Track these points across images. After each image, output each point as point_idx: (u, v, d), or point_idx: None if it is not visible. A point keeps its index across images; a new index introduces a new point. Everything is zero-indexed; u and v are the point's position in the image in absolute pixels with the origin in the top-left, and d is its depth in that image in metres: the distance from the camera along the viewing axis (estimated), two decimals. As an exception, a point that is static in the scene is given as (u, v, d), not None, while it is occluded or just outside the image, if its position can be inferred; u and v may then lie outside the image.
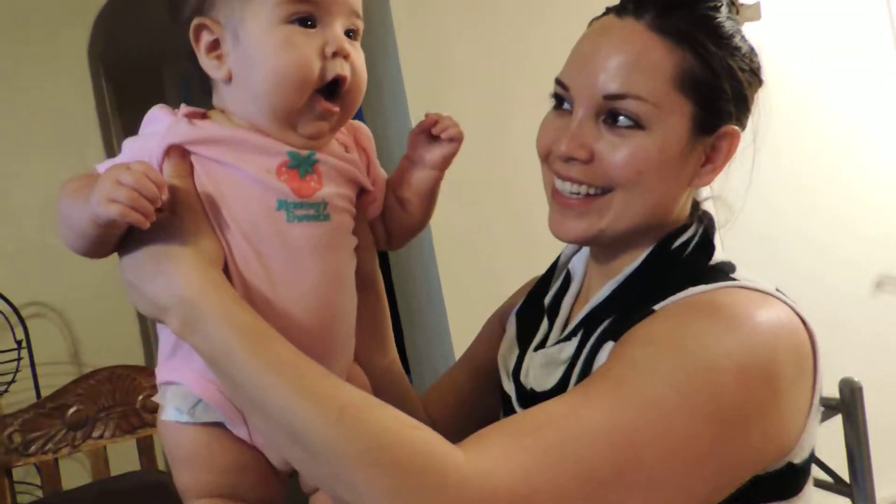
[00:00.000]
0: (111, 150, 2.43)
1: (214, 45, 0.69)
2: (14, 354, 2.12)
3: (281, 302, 0.69)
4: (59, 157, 2.28)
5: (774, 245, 2.35)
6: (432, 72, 2.11)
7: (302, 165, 0.69)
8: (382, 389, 0.80)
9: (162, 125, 0.70)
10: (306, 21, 0.67)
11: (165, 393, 0.72)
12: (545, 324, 0.90)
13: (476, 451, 0.62)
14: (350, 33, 0.70)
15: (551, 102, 0.84)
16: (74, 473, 1.89)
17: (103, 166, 0.68)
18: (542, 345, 0.87)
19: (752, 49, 0.80)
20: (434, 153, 0.79)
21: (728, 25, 0.78)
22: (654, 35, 0.76)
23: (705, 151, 0.80)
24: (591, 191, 0.79)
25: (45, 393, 2.01)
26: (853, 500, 1.05)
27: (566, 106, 0.81)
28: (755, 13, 0.83)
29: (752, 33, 0.81)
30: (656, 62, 0.76)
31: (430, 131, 0.79)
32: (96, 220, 0.62)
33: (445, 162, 0.80)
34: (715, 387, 0.66)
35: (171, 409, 0.71)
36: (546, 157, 0.83)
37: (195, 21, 0.69)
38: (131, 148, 0.71)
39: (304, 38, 0.67)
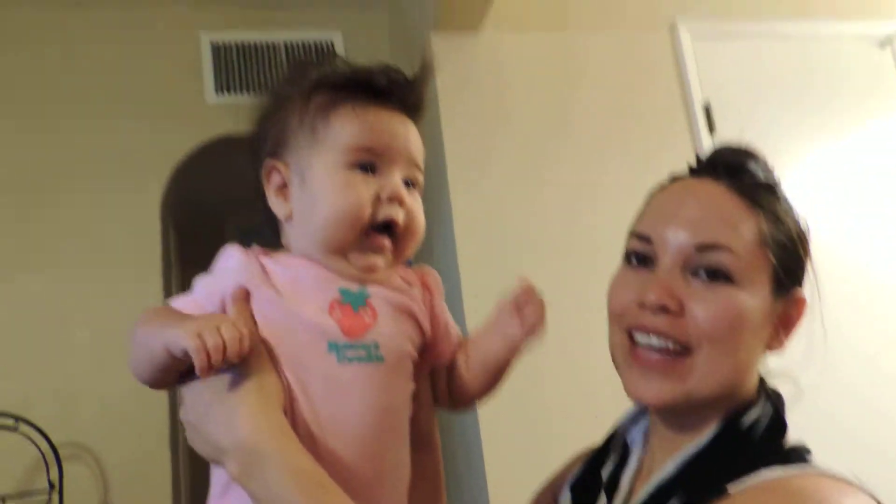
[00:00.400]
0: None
1: (282, 186, 0.75)
2: (45, 496, 2.09)
3: (328, 445, 0.68)
4: (117, 301, 2.37)
5: (841, 421, 2.22)
6: (485, 234, 2.17)
7: (354, 301, 0.71)
8: None
9: (234, 263, 0.73)
10: (367, 168, 0.72)
11: None
12: (603, 499, 0.84)
13: None
14: (409, 182, 0.74)
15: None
16: None
17: (177, 302, 0.72)
18: None
19: (805, 221, 0.82)
20: (514, 329, 0.78)
21: (788, 198, 0.81)
22: (735, 195, 0.78)
23: (779, 316, 0.78)
24: (676, 347, 0.75)
25: (69, 540, 1.98)
26: None
27: (641, 262, 0.80)
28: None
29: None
30: (742, 219, 0.76)
31: (515, 305, 0.78)
32: (172, 345, 0.64)
33: (522, 343, 0.79)
34: None
35: None
36: (620, 315, 0.80)
37: (267, 163, 0.75)
38: (204, 284, 0.74)
39: (363, 182, 0.71)
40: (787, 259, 0.78)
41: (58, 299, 2.36)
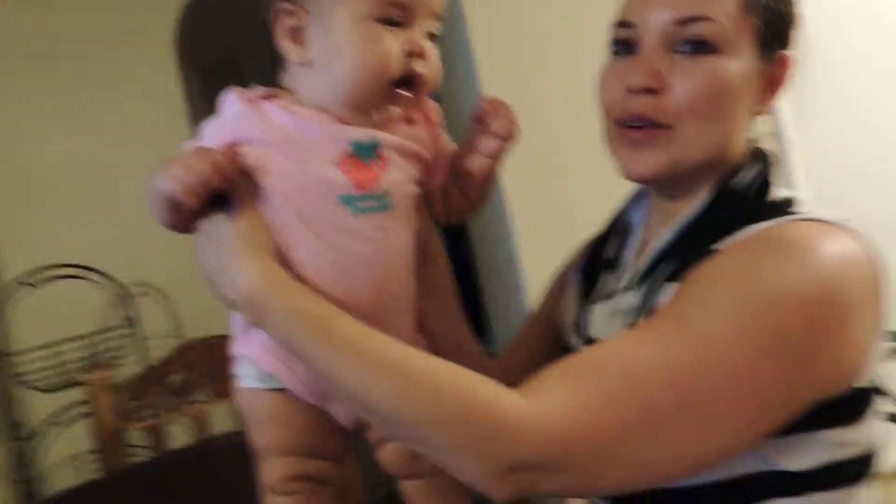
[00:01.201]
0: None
1: (296, 30, 0.72)
2: (123, 332, 2.31)
3: (341, 288, 0.72)
4: (155, 150, 2.44)
5: (869, 169, 2.26)
6: (504, 39, 2.15)
7: (365, 153, 0.72)
8: (450, 355, 0.77)
9: (233, 111, 0.73)
10: (393, 21, 0.71)
11: (240, 364, 0.78)
12: (608, 276, 0.89)
13: (538, 395, 0.65)
14: (429, 34, 0.74)
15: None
16: (179, 435, 2.06)
17: (187, 146, 0.74)
18: (606, 297, 0.87)
19: None
20: (488, 143, 0.79)
21: None
22: None
23: (766, 78, 0.80)
24: (660, 125, 0.77)
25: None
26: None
27: (626, 49, 0.81)
28: None
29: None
30: None
31: (478, 118, 0.79)
32: (161, 191, 0.69)
33: (497, 154, 0.80)
34: (778, 320, 0.66)
35: (246, 378, 0.77)
36: (610, 108, 0.82)
37: (280, 4, 0.73)
38: (208, 130, 0.75)
39: (390, 36, 0.70)
40: (773, 20, 0.78)
41: (99, 156, 2.46)
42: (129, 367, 2.24)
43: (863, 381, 0.74)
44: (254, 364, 0.76)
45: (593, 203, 1.12)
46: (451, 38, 2.22)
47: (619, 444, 0.64)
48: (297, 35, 0.72)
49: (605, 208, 0.99)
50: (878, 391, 0.77)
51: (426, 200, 0.82)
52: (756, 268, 0.69)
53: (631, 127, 0.79)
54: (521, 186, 1.79)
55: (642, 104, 0.77)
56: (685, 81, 0.76)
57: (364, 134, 0.72)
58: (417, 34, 0.72)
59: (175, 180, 0.67)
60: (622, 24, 0.81)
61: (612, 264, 0.90)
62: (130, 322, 2.30)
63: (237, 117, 0.72)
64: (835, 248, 0.71)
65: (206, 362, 1.85)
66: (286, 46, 0.73)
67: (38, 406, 2.24)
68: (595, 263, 0.92)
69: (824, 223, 0.74)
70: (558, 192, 2.09)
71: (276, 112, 0.72)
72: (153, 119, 2.50)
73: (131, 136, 2.47)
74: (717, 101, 0.76)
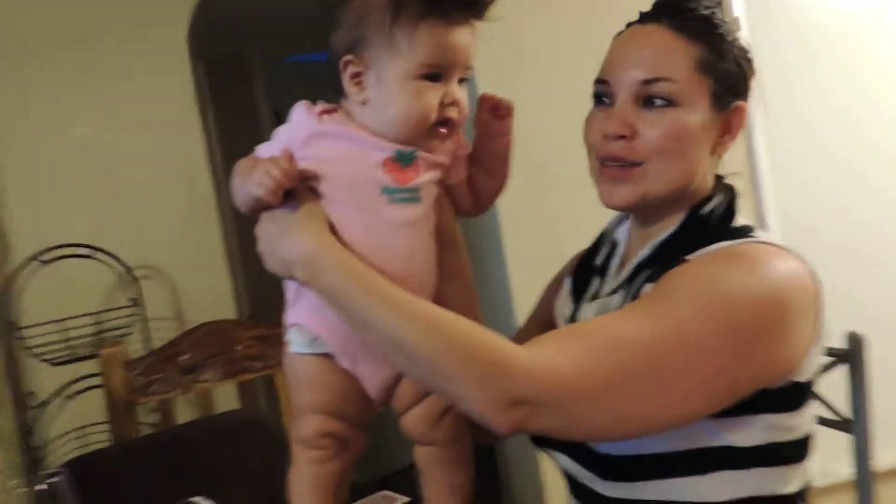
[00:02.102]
0: (208, 132, 2.69)
1: (357, 75, 0.90)
2: (128, 311, 2.40)
3: (379, 261, 0.87)
4: (164, 139, 2.55)
5: (833, 199, 2.43)
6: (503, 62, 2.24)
7: (404, 160, 0.89)
8: None
9: (300, 121, 0.91)
10: (434, 77, 0.88)
11: (291, 332, 0.94)
12: (596, 281, 1.07)
13: (536, 348, 0.81)
14: (462, 80, 0.91)
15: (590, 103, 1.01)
16: (186, 411, 2.15)
17: (262, 149, 0.93)
18: (594, 298, 1.04)
19: (746, 43, 0.99)
20: (500, 124, 0.97)
21: (728, 25, 0.97)
22: (674, 33, 0.94)
23: (722, 125, 0.96)
24: (632, 163, 0.94)
25: (155, 345, 2.29)
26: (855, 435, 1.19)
27: (606, 101, 0.98)
28: (736, 25, 1.00)
29: None
30: (679, 53, 0.93)
31: (490, 110, 0.97)
32: (250, 195, 0.88)
33: (511, 128, 0.98)
34: (732, 312, 0.82)
35: (295, 344, 0.93)
36: (592, 147, 1.00)
37: (347, 57, 0.89)
38: (277, 133, 0.93)
39: (431, 90, 0.88)
40: (725, 78, 0.95)
41: (110, 142, 2.53)
42: (133, 346, 2.32)
43: (801, 378, 0.90)
44: (302, 328, 0.92)
45: (579, 218, 1.27)
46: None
47: (599, 394, 0.79)
48: (357, 79, 0.90)
49: (588, 223, 1.15)
50: (813, 392, 0.94)
51: (450, 196, 0.98)
52: (719, 272, 0.85)
53: (611, 166, 0.96)
54: (513, 201, 1.97)
55: (618, 147, 0.95)
56: (651, 130, 0.93)
57: (406, 146, 0.89)
58: (452, 86, 0.89)
59: (259, 185, 0.85)
60: (600, 80, 0.98)
61: (600, 271, 1.07)
62: (135, 302, 2.39)
63: (304, 125, 0.91)
64: (783, 265, 0.87)
65: (214, 344, 1.96)
66: (349, 87, 0.91)
67: (45, 379, 2.33)
68: (585, 270, 1.09)
69: (776, 246, 0.90)
70: (547, 208, 2.23)
71: (335, 124, 0.91)
72: (163, 109, 2.58)
73: (142, 124, 2.55)
74: (679, 145, 0.93)
